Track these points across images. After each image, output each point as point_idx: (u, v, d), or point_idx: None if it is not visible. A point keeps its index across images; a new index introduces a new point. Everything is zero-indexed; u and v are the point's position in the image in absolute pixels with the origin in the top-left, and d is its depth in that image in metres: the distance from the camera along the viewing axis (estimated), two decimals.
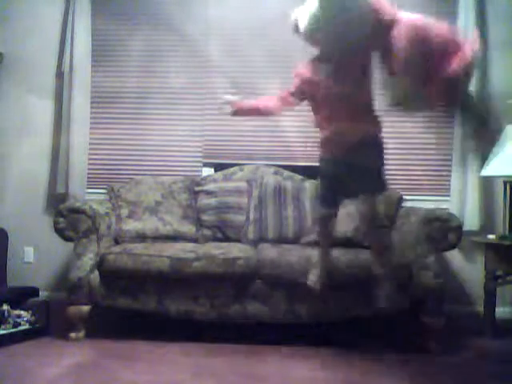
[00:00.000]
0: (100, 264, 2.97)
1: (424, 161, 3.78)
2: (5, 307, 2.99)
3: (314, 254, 2.84)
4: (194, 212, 3.52)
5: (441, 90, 1.98)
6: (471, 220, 3.59)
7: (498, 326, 3.27)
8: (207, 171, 3.91)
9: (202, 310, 2.93)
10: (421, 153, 3.78)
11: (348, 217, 3.32)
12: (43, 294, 3.61)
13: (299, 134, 3.82)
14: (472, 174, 3.59)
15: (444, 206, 3.55)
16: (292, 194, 3.51)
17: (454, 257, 3.65)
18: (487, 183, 3.66)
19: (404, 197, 3.53)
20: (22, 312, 3.03)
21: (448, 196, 3.71)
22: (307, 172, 3.76)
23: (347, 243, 3.25)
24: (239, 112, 2.67)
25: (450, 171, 3.71)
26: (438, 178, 3.78)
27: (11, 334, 2.90)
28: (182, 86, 3.88)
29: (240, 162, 3.84)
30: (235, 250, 3.03)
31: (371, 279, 2.63)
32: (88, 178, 3.84)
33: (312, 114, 2.55)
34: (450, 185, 3.70)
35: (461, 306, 3.63)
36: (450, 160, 3.71)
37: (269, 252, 3.04)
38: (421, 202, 3.57)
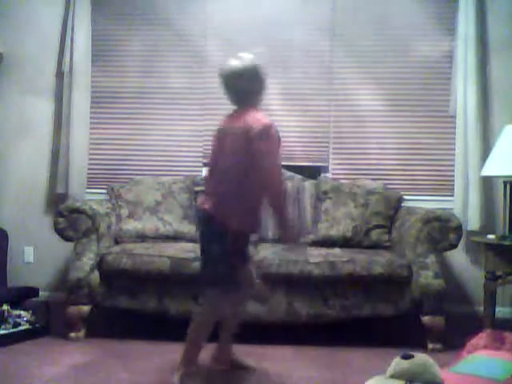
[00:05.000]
0: (100, 264, 2.97)
1: (427, 161, 3.76)
2: (5, 307, 2.99)
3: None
4: (194, 212, 3.52)
5: None
6: (472, 220, 3.58)
7: (497, 326, 3.26)
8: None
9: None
10: (423, 153, 3.77)
11: (347, 217, 3.33)
12: (43, 294, 3.61)
13: (299, 133, 3.83)
14: (472, 174, 3.58)
15: (448, 206, 3.54)
16: (292, 194, 3.50)
17: (454, 257, 3.65)
18: (487, 183, 3.66)
19: (407, 197, 3.54)
20: (22, 312, 3.03)
21: (452, 196, 3.69)
22: (307, 172, 3.76)
23: (346, 243, 3.26)
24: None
25: (452, 171, 3.71)
26: (441, 178, 3.77)
27: (11, 333, 2.90)
28: (181, 85, 3.88)
29: None
30: None
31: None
32: (88, 178, 3.83)
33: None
34: (453, 185, 3.69)
35: (461, 305, 3.63)
36: (453, 160, 3.70)
37: (268, 252, 3.04)
38: (424, 202, 3.56)
